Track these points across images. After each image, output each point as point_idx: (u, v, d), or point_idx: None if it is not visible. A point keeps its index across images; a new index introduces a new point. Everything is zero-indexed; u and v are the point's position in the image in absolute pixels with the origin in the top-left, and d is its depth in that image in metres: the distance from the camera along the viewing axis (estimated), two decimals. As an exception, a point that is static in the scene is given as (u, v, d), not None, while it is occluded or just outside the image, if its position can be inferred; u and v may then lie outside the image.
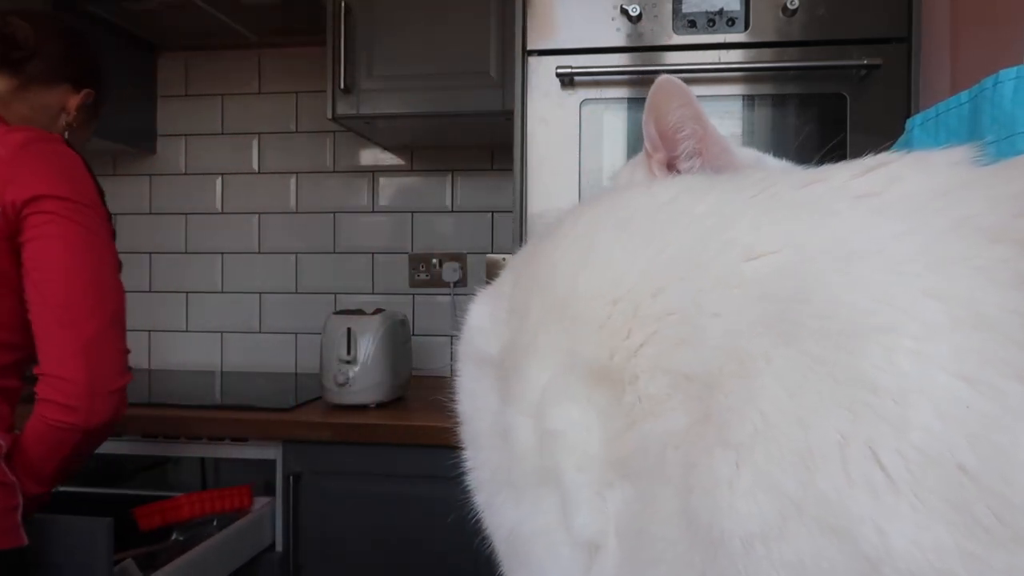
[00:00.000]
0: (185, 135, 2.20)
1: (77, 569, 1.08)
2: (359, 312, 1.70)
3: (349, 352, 1.61)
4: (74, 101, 1.18)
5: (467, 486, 0.55)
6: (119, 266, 1.12)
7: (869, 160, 0.36)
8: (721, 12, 1.40)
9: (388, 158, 2.14)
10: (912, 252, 0.32)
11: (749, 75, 1.41)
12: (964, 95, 0.56)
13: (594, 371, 0.40)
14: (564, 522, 0.42)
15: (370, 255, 2.14)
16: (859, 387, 0.30)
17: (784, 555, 0.31)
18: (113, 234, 1.11)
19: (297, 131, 2.16)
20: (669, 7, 1.42)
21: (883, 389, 0.30)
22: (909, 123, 0.65)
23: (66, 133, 1.17)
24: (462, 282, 2.09)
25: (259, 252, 2.18)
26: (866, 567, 0.29)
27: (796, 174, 0.38)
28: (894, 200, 0.34)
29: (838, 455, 0.30)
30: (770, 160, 0.62)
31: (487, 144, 2.06)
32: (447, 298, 2.10)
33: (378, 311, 1.70)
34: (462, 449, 0.55)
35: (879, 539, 0.29)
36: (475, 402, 0.52)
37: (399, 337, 1.70)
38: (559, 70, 1.41)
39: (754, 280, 0.35)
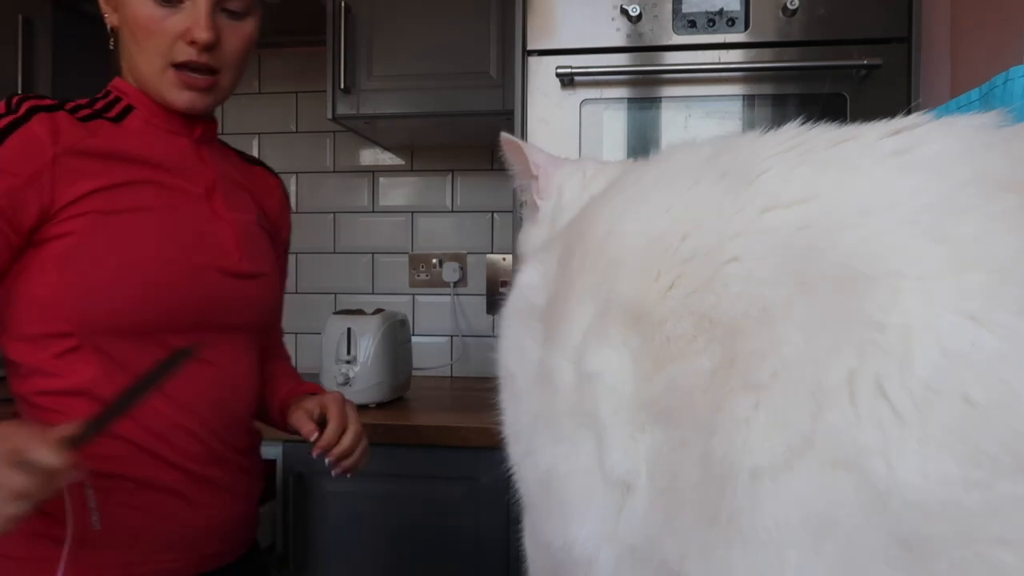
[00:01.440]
0: (185, 135, 2.20)
1: None
2: (359, 312, 1.70)
3: (349, 352, 1.61)
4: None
5: (504, 440, 0.57)
6: None
7: (897, 122, 0.37)
8: (721, 12, 1.40)
9: (388, 158, 2.14)
10: (928, 203, 0.33)
11: (749, 75, 1.41)
12: (974, 93, 0.56)
13: (629, 313, 0.42)
14: (599, 461, 0.43)
15: (370, 255, 2.14)
16: (867, 327, 0.31)
17: (793, 488, 0.32)
18: None
19: (297, 131, 2.16)
20: (669, 7, 1.42)
21: (889, 328, 0.31)
22: None
23: (111, 42, 0.94)
24: (462, 282, 2.09)
25: (259, 252, 2.18)
26: (875, 499, 0.30)
27: (829, 131, 0.40)
28: (919, 159, 0.35)
29: (846, 390, 0.31)
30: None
31: (487, 144, 2.06)
32: (447, 298, 2.10)
33: (378, 311, 1.70)
34: (501, 407, 0.58)
35: (887, 471, 0.30)
36: (523, 356, 0.53)
37: (399, 337, 1.70)
38: (559, 70, 1.41)
39: (775, 228, 0.36)
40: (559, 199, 0.75)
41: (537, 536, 0.54)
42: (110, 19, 0.93)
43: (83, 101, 0.91)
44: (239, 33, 0.92)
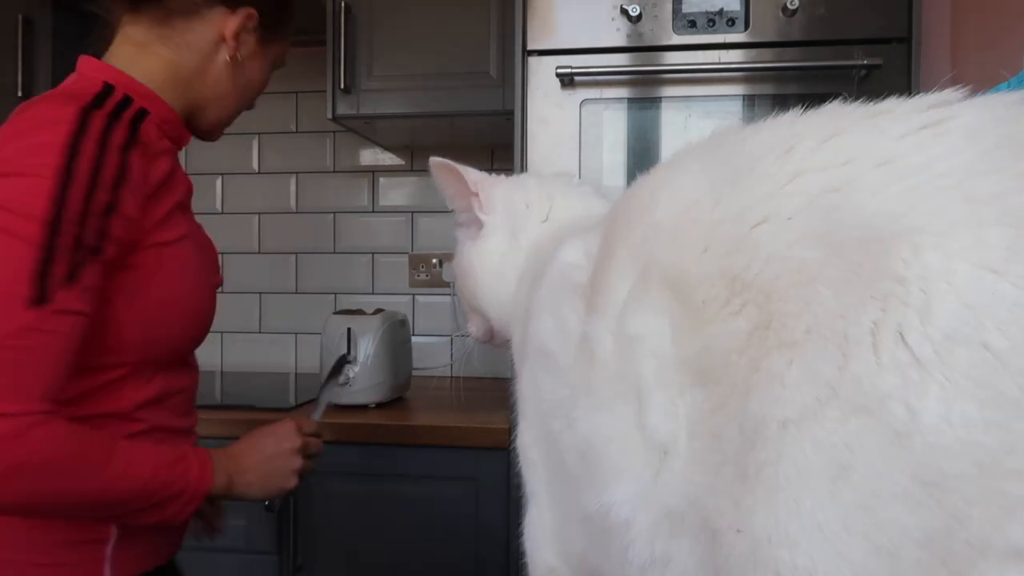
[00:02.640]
0: (185, 135, 2.20)
1: None
2: (359, 312, 1.70)
3: (349, 352, 1.61)
4: (232, 25, 0.90)
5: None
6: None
7: (932, 97, 0.38)
8: (721, 12, 1.40)
9: (388, 158, 2.14)
10: (953, 166, 0.34)
11: (749, 75, 1.41)
12: (1003, 86, 0.57)
13: (667, 278, 0.43)
14: (638, 425, 0.44)
15: (370, 255, 2.14)
16: (890, 280, 0.33)
17: (815, 435, 0.34)
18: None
19: (297, 131, 2.16)
20: (669, 7, 1.42)
21: (910, 280, 0.32)
22: None
23: (229, 68, 0.94)
24: (462, 282, 2.09)
25: (259, 252, 2.18)
26: (893, 441, 0.31)
27: (864, 107, 0.41)
28: (949, 128, 0.36)
29: (870, 340, 0.33)
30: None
31: (487, 144, 2.06)
32: (447, 298, 2.10)
33: (378, 311, 1.70)
34: (527, 386, 0.62)
35: (908, 415, 0.31)
36: (565, 333, 0.54)
37: (399, 337, 1.70)
38: (559, 70, 1.41)
39: (804, 191, 0.38)
40: (510, 212, 0.78)
41: (573, 512, 0.54)
42: (237, 52, 0.93)
43: (100, 108, 0.78)
44: None
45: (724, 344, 0.39)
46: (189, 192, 0.91)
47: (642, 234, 0.46)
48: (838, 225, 0.35)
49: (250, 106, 1.07)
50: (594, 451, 0.48)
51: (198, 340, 0.92)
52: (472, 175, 0.80)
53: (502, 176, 0.83)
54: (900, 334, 0.32)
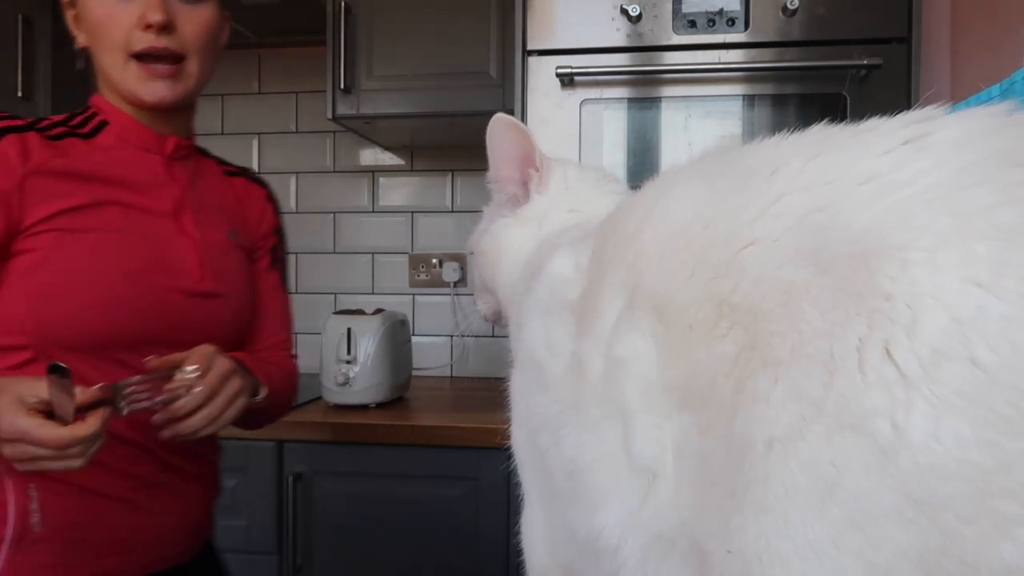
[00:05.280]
0: (185, 135, 2.20)
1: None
2: (359, 312, 1.70)
3: (349, 352, 1.61)
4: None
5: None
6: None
7: (915, 113, 0.38)
8: (721, 12, 1.40)
9: (388, 158, 2.14)
10: (938, 180, 0.34)
11: (749, 75, 1.41)
12: (995, 89, 0.57)
13: (654, 303, 0.43)
14: (624, 449, 0.44)
15: (370, 255, 2.14)
16: (876, 297, 0.32)
17: (801, 454, 0.33)
18: None
19: (297, 131, 2.16)
20: (669, 7, 1.42)
21: (896, 296, 0.32)
22: None
23: (82, 61, 0.96)
24: (462, 282, 2.09)
25: (259, 252, 2.18)
26: (880, 459, 0.31)
27: (850, 127, 0.41)
28: (933, 142, 0.36)
29: (855, 357, 0.32)
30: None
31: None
32: (447, 298, 2.10)
33: (378, 311, 1.70)
34: (517, 392, 0.61)
35: (894, 433, 0.31)
36: (553, 347, 0.54)
37: (399, 337, 1.70)
38: (559, 70, 1.41)
39: (790, 212, 0.38)
40: (550, 197, 0.75)
41: (562, 525, 0.54)
42: (80, 39, 0.94)
43: (59, 118, 0.91)
44: (196, 18, 0.93)
45: (711, 367, 0.39)
46: (147, 191, 0.93)
47: (631, 258, 0.46)
48: (824, 244, 0.35)
49: (139, 54, 0.90)
50: (580, 472, 0.48)
51: (113, 330, 0.86)
52: (540, 149, 0.76)
53: (555, 159, 0.79)
54: (886, 350, 0.31)
